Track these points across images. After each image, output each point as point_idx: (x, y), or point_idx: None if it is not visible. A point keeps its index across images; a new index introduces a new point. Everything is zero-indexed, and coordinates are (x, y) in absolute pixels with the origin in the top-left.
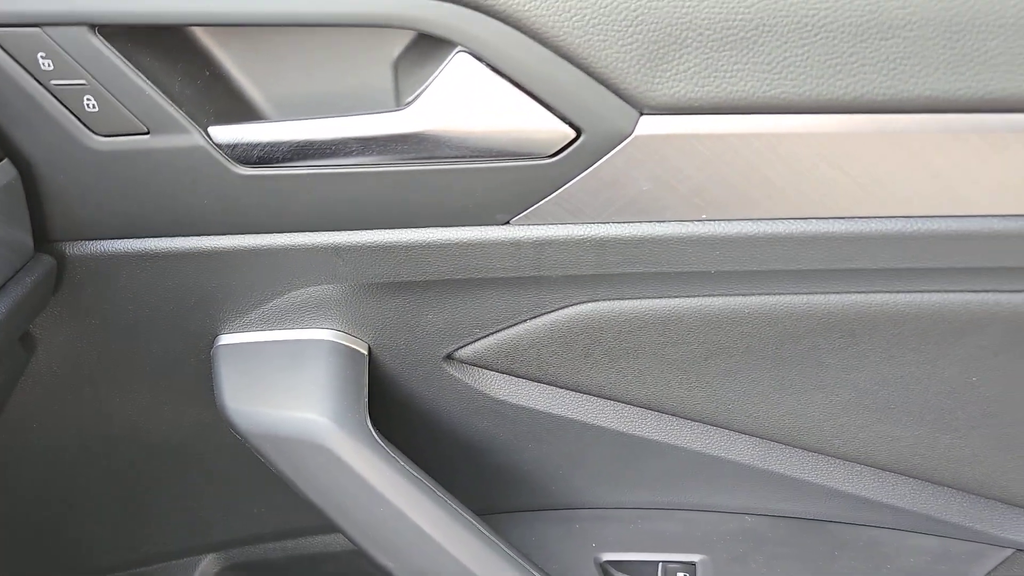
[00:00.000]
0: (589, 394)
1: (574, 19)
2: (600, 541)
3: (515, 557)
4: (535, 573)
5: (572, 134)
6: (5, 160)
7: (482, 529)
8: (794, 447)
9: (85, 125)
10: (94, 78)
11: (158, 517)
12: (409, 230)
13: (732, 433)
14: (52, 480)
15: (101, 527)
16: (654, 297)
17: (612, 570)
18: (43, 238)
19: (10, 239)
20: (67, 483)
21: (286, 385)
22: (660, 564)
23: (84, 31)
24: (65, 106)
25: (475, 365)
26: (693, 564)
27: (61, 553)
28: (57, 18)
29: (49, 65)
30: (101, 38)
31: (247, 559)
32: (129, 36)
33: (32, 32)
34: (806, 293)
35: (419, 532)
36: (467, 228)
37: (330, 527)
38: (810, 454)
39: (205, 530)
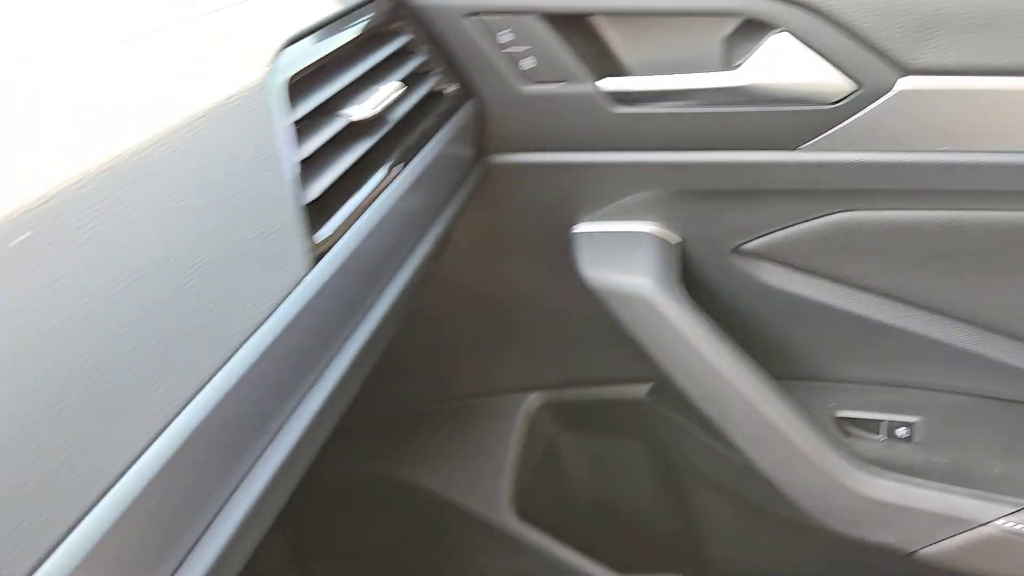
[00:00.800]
0: (840, 283)
1: (861, 10)
2: (836, 403)
3: (781, 394)
4: (796, 408)
5: (855, 86)
6: (474, 98)
7: (760, 373)
8: (1002, 335)
9: (525, 76)
10: (535, 46)
11: (506, 358)
12: (726, 152)
13: (951, 320)
14: (443, 323)
15: (465, 363)
16: (898, 209)
17: (846, 425)
18: (480, 151)
19: (467, 152)
20: (450, 327)
21: (624, 259)
22: (885, 421)
23: (532, 17)
24: (515, 64)
25: (755, 257)
26: (912, 423)
27: (438, 379)
28: (518, 9)
29: (508, 38)
30: (542, 21)
31: (561, 399)
32: (558, 20)
33: (500, 18)
34: (1020, 210)
35: (710, 367)
36: (767, 152)
37: (627, 379)
38: (1016, 342)
39: (536, 372)
